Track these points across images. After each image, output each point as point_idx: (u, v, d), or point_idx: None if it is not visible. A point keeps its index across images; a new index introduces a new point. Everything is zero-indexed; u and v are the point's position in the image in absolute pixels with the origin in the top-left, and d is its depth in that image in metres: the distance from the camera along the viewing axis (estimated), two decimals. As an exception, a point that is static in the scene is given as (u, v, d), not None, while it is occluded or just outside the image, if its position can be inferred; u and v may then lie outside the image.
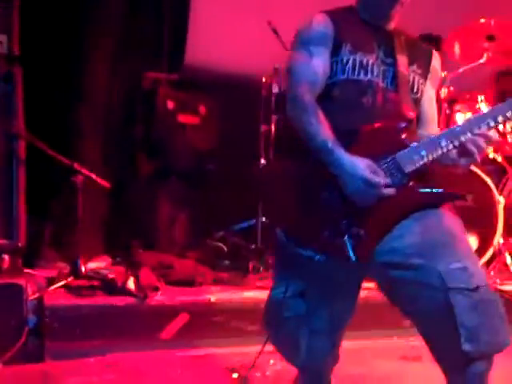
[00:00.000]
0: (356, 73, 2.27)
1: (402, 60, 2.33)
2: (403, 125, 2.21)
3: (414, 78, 2.36)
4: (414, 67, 2.37)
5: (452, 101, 4.47)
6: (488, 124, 2.10)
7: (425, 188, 2.16)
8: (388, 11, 2.34)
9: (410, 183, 2.14)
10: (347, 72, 2.27)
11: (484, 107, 4.38)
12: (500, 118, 2.12)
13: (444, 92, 4.45)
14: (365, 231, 2.09)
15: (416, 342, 2.21)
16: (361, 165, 2.08)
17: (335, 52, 2.28)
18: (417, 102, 2.36)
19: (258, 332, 3.63)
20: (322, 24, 2.30)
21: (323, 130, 2.13)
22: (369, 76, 2.28)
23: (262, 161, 4.55)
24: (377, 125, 2.19)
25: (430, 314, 2.04)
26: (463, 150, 2.11)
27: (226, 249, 4.69)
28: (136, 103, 5.03)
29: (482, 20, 4.54)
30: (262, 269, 4.29)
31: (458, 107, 4.47)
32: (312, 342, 2.32)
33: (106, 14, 4.79)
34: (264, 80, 4.73)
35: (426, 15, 4.95)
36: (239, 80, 5.13)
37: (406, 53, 2.35)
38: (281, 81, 4.63)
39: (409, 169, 2.12)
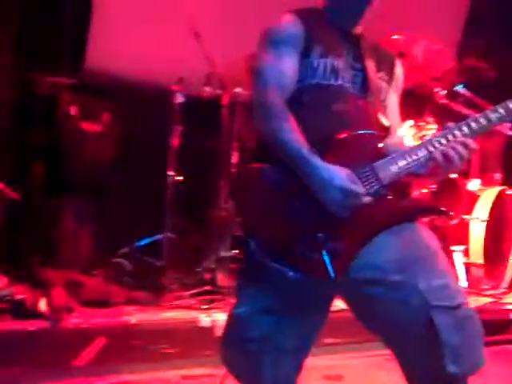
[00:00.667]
0: (327, 77, 2.18)
1: (371, 66, 2.26)
2: (380, 134, 2.14)
3: (381, 85, 2.30)
4: (381, 74, 2.31)
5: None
6: (463, 132, 2.03)
7: (403, 200, 2.10)
8: (357, 14, 2.26)
9: (388, 195, 2.04)
10: (318, 76, 2.17)
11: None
12: (474, 125, 2.05)
13: None
14: (342, 245, 1.96)
15: (336, 361, 2.14)
16: (339, 174, 1.97)
17: (305, 54, 2.18)
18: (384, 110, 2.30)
19: (180, 355, 3.47)
20: (292, 25, 2.19)
21: (296, 137, 2.01)
22: (340, 81, 2.19)
23: (171, 173, 4.36)
24: (353, 133, 2.08)
25: (410, 334, 1.93)
26: (442, 159, 2.02)
27: (130, 266, 4.42)
28: (32, 108, 4.67)
29: (395, 37, 4.60)
30: (175, 287, 4.08)
31: None
32: (277, 367, 2.14)
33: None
34: (170, 88, 4.53)
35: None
36: (146, 88, 4.93)
37: (373, 58, 2.29)
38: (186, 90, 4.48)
39: (387, 180, 2.03)
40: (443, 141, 2.03)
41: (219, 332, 3.50)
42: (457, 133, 2.03)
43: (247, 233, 2.06)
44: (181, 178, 4.38)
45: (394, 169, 2.03)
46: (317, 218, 1.99)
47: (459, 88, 5.00)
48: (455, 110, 4.89)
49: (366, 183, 2.02)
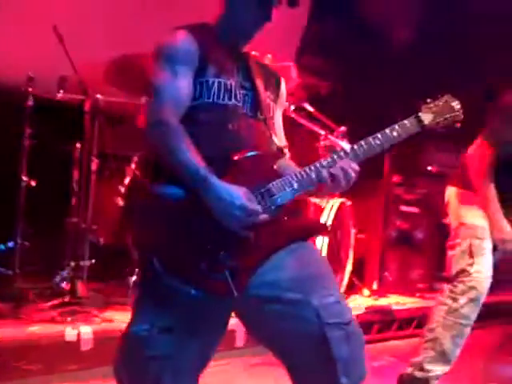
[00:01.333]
0: (221, 97, 2.20)
1: (260, 85, 2.31)
2: (274, 154, 2.21)
3: (270, 104, 2.35)
4: (269, 92, 2.36)
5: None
6: (348, 155, 2.16)
7: (296, 219, 2.18)
8: (250, 35, 2.30)
9: (283, 215, 2.13)
10: (213, 95, 2.19)
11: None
12: (358, 150, 2.17)
13: None
14: (242, 263, 2.02)
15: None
16: (237, 192, 2.01)
17: (200, 73, 2.19)
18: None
19: (44, 371, 3.30)
20: (186, 42, 2.18)
21: (193, 156, 2.02)
22: (233, 100, 2.22)
23: (23, 177, 4.14)
24: (249, 154, 2.14)
25: (305, 348, 2.04)
26: (332, 179, 2.13)
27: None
28: None
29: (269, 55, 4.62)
30: (32, 298, 3.88)
31: None
32: None
33: None
34: (22, 90, 4.29)
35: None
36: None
37: (261, 77, 2.33)
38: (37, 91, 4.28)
39: (282, 200, 2.11)
40: (331, 163, 2.14)
41: (86, 346, 3.44)
42: (343, 156, 2.16)
43: (148, 250, 2.04)
44: (34, 183, 4.16)
45: (288, 189, 2.12)
46: (217, 236, 2.02)
47: (304, 104, 5.26)
48: (302, 124, 5.12)
49: (262, 203, 2.08)
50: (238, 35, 2.30)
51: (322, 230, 2.41)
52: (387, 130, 2.20)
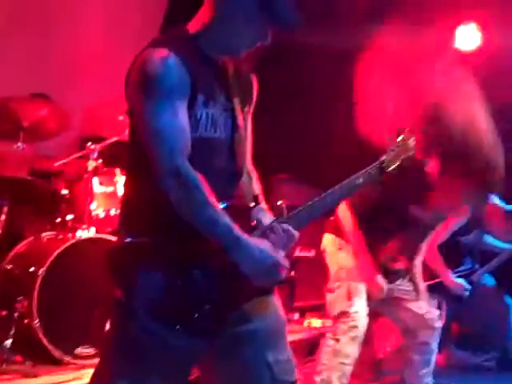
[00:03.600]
0: (208, 129, 2.02)
1: (237, 103, 2.11)
2: (252, 205, 2.11)
3: (247, 121, 2.18)
4: (246, 108, 2.17)
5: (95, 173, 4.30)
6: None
7: None
8: (241, 52, 2.08)
9: None
10: (201, 128, 2.00)
11: (122, 179, 4.31)
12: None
13: (91, 165, 4.26)
14: (224, 312, 2.02)
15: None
16: (268, 250, 1.97)
17: (190, 104, 1.97)
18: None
19: None
20: (179, 68, 1.94)
21: (221, 212, 1.93)
22: (217, 133, 2.04)
23: None
24: (229, 202, 2.04)
25: None
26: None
27: None
28: None
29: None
30: None
31: (99, 180, 4.34)
32: None
33: None
34: None
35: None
36: None
37: (238, 91, 2.12)
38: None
39: None
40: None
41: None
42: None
43: (136, 302, 1.97)
44: None
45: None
46: (205, 289, 1.98)
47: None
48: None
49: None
50: (227, 50, 2.08)
51: (286, 280, 2.35)
52: (353, 177, 2.21)
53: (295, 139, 6.02)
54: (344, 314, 3.60)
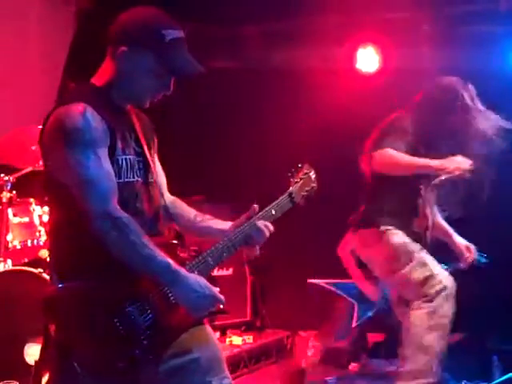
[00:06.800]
0: (128, 175, 2.13)
1: (145, 145, 2.23)
2: (175, 242, 2.22)
3: (155, 162, 2.29)
4: (152, 151, 2.28)
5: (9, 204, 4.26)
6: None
7: None
8: (146, 101, 2.20)
9: None
10: (123, 174, 2.10)
11: (38, 210, 4.32)
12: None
13: (5, 196, 4.21)
14: (161, 347, 2.07)
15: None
16: (205, 283, 2.08)
17: (111, 152, 2.07)
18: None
19: None
20: (98, 120, 2.04)
21: (156, 249, 2.02)
22: (136, 177, 2.16)
23: None
24: (155, 240, 2.10)
25: None
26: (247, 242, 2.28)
27: None
28: None
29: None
30: None
31: (13, 211, 4.30)
32: None
33: None
34: None
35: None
36: None
37: (143, 135, 2.24)
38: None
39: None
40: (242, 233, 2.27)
41: None
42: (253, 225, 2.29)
43: (71, 353, 1.98)
44: None
45: (205, 269, 2.19)
46: (141, 324, 2.02)
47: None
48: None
49: None
50: (134, 101, 2.20)
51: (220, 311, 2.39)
52: (267, 209, 2.32)
53: (210, 161, 6.11)
54: (428, 278, 3.62)
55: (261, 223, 2.26)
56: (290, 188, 2.41)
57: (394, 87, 5.35)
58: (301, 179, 2.45)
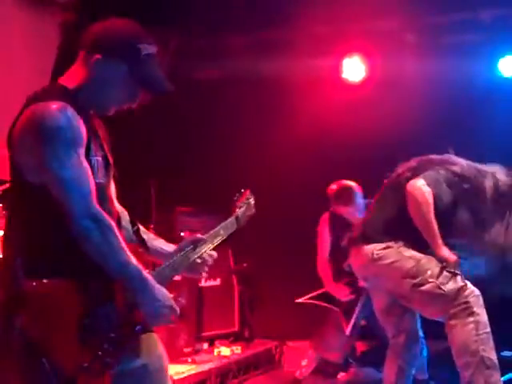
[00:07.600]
0: (99, 176, 2.13)
1: (107, 150, 2.25)
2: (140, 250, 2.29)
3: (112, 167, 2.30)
4: (109, 155, 2.28)
5: None
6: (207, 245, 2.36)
7: None
8: (112, 109, 2.22)
9: None
10: (95, 175, 2.11)
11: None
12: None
13: None
14: (119, 351, 2.06)
15: None
16: (167, 294, 2.12)
17: (86, 153, 2.08)
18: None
19: None
20: (76, 120, 2.04)
21: (130, 256, 2.06)
22: (102, 179, 2.17)
23: None
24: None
25: None
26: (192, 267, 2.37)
27: None
28: None
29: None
30: None
31: None
32: None
33: None
34: None
35: None
36: None
37: (104, 138, 2.26)
38: None
39: None
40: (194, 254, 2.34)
41: None
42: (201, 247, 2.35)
43: (44, 354, 1.95)
44: None
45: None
46: (106, 327, 2.03)
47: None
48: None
49: None
50: (99, 108, 2.22)
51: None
52: (217, 229, 2.42)
53: (195, 171, 6.11)
54: (461, 289, 3.55)
55: (205, 254, 2.36)
56: (237, 211, 2.54)
57: (380, 96, 5.38)
58: (244, 204, 2.58)
